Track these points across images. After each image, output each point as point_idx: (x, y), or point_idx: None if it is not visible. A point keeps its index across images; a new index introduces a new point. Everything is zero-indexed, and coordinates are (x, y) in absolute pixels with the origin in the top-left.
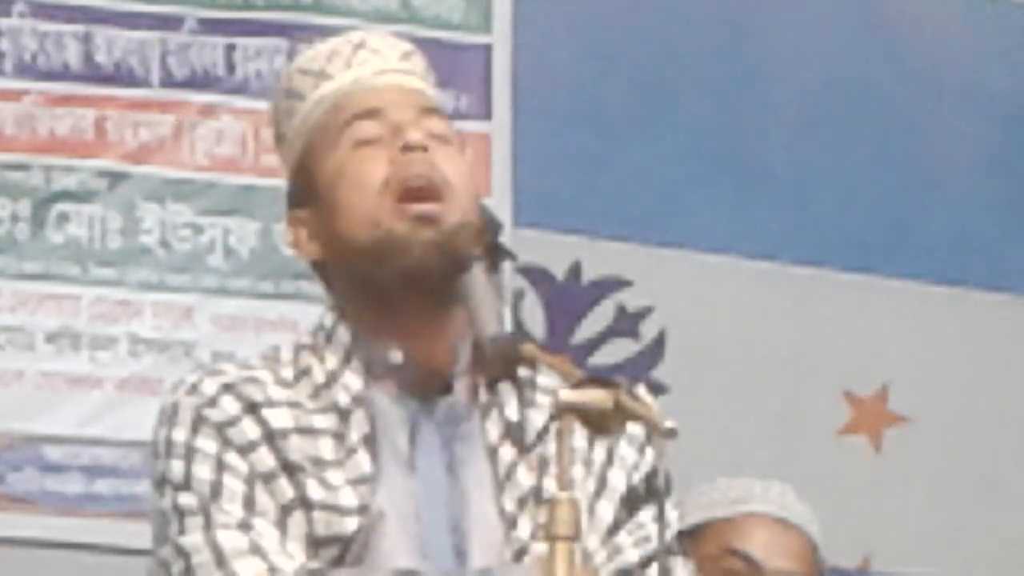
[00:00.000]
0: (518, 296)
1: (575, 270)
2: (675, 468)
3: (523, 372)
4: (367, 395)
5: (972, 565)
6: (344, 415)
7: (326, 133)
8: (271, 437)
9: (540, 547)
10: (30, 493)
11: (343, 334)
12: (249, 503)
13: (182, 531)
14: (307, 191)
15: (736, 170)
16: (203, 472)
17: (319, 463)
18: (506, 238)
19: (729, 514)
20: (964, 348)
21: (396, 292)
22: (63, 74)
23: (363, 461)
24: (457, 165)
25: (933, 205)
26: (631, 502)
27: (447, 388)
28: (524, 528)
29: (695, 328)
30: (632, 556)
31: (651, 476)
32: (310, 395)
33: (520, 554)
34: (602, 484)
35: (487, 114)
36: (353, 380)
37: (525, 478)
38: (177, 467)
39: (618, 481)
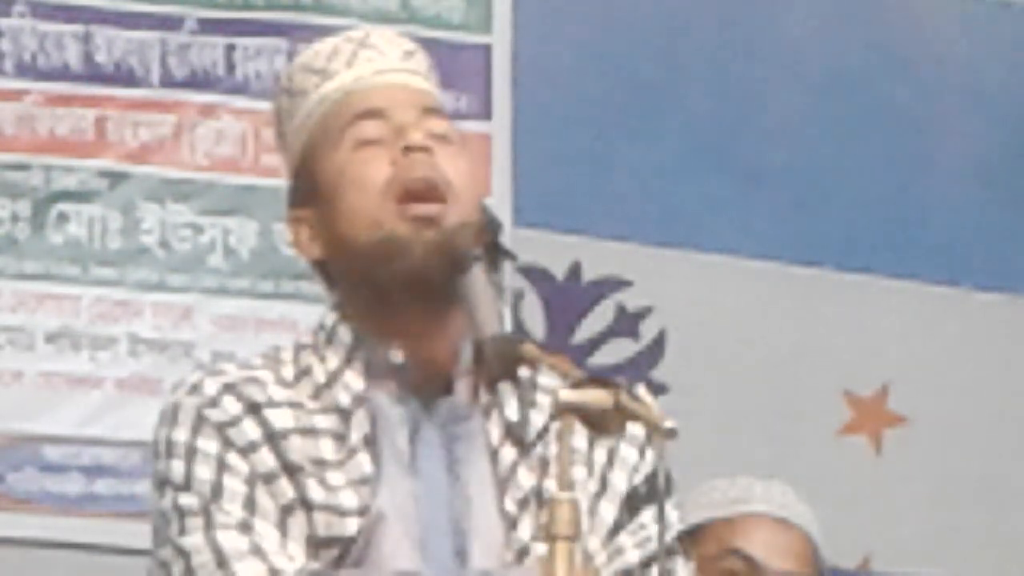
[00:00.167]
0: (518, 296)
1: (575, 270)
2: (675, 468)
3: (523, 372)
4: (368, 395)
5: (972, 565)
6: (345, 415)
7: (328, 132)
8: (272, 438)
9: (541, 548)
10: (30, 493)
11: (344, 334)
12: (250, 504)
13: (182, 532)
14: (309, 190)
15: (736, 170)
16: (204, 473)
17: (320, 464)
18: (506, 238)
19: (729, 514)
20: (964, 348)
21: (397, 293)
22: (63, 74)
23: (364, 462)
24: (459, 166)
25: (933, 205)
26: (632, 503)
27: (448, 388)
28: (525, 529)
29: (695, 328)
30: (633, 557)
31: (652, 477)
32: (311, 395)
33: (521, 555)
34: (603, 485)
35: (487, 114)
36: (354, 380)
37: (526, 479)
38: (178, 467)
39: (619, 482)
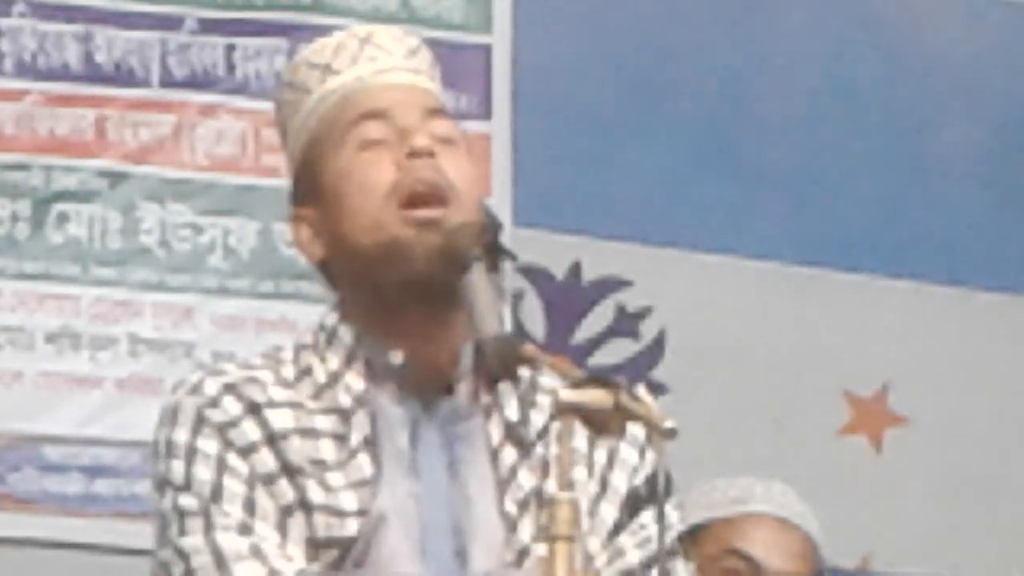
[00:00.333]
0: (518, 296)
1: (575, 270)
2: (675, 468)
3: (524, 372)
4: (369, 396)
5: (972, 565)
6: (345, 416)
7: (331, 131)
8: (272, 438)
9: (541, 549)
10: (30, 493)
11: (345, 334)
12: (249, 505)
13: (182, 533)
14: (310, 189)
15: (736, 170)
16: (204, 473)
17: (320, 465)
18: (506, 238)
19: (729, 514)
20: (964, 348)
21: (399, 295)
22: (63, 74)
23: (364, 463)
24: (462, 168)
25: (933, 205)
26: (633, 504)
27: (449, 389)
28: (525, 530)
29: (695, 328)
30: (633, 558)
31: (653, 478)
32: (311, 395)
33: (521, 556)
34: (604, 486)
35: (487, 114)
36: (355, 381)
37: (527, 480)
38: (178, 468)
39: (620, 483)
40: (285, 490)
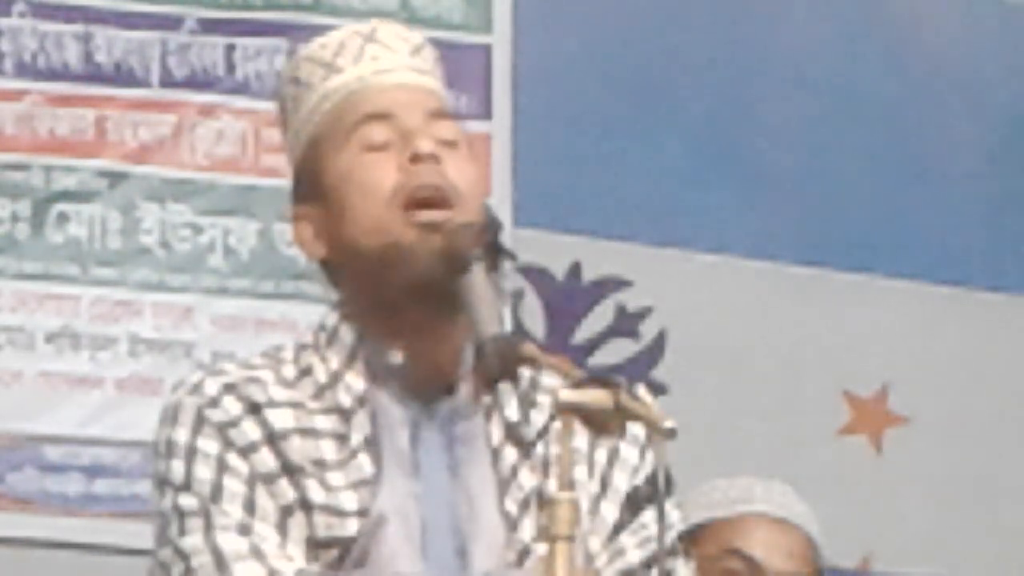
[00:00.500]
0: (518, 296)
1: (575, 270)
2: (675, 468)
3: (525, 372)
4: (369, 396)
5: (972, 565)
6: (346, 416)
7: (334, 131)
8: (272, 438)
9: (542, 548)
10: (30, 493)
11: (346, 334)
12: (249, 505)
13: (182, 533)
14: (313, 188)
15: (736, 170)
16: (204, 473)
17: (320, 465)
18: (506, 238)
19: (729, 514)
20: (964, 348)
21: (401, 297)
22: (63, 74)
23: (364, 463)
24: (466, 171)
25: (933, 205)
26: (634, 503)
27: (450, 389)
28: (526, 530)
29: (695, 328)
30: (634, 557)
31: (653, 477)
32: (312, 395)
33: (523, 556)
34: (605, 485)
35: (487, 114)
36: (356, 381)
37: (528, 480)
38: (178, 468)
39: (621, 482)
40: (285, 490)
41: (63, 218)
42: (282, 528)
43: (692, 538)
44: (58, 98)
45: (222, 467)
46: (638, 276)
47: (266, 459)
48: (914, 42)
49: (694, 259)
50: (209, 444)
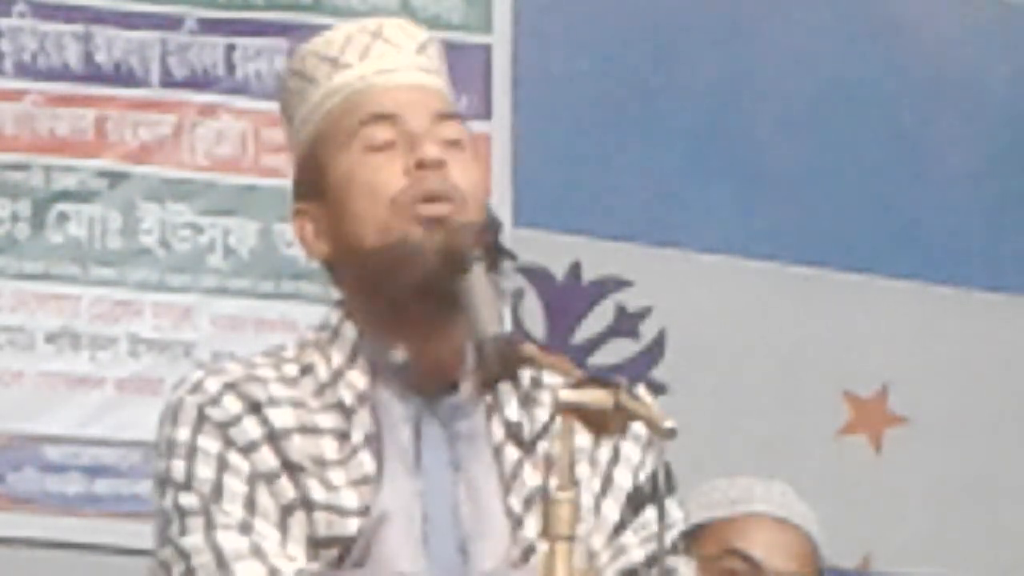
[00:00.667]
0: (518, 296)
1: (575, 270)
2: (675, 468)
3: (529, 370)
4: (371, 393)
5: (972, 565)
6: (348, 413)
7: (338, 129)
8: (273, 437)
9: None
10: (30, 493)
11: (349, 331)
12: (250, 504)
13: (183, 532)
14: (315, 185)
15: (736, 170)
16: (205, 472)
17: (321, 463)
18: (506, 238)
19: (729, 514)
20: (964, 348)
21: (405, 296)
22: (63, 74)
23: (366, 461)
24: (471, 174)
25: (933, 205)
26: (636, 501)
27: (452, 387)
28: (531, 527)
29: (695, 328)
30: (637, 555)
31: (655, 476)
32: (314, 393)
33: (527, 554)
34: (607, 483)
35: (487, 114)
36: (358, 378)
37: (531, 477)
38: (179, 467)
39: (623, 480)
40: (286, 488)
41: (63, 218)
42: (283, 527)
43: (692, 538)
44: (58, 98)
45: (223, 466)
46: (638, 276)
47: (267, 457)
48: (914, 42)
49: (694, 259)
50: (210, 443)
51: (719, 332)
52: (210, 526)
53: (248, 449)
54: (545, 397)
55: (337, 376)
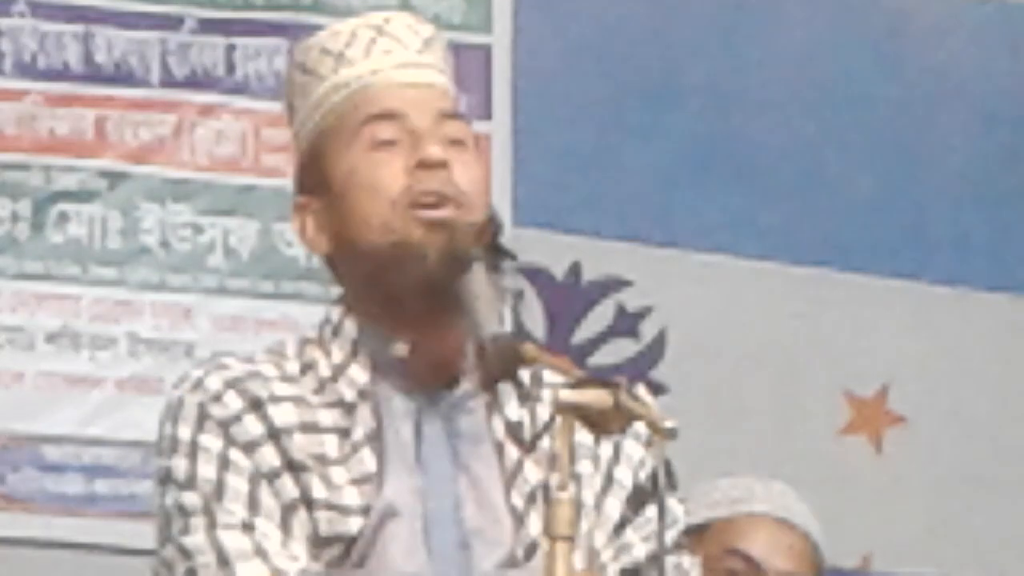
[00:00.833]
0: (518, 296)
1: (575, 270)
2: (675, 468)
3: (531, 369)
4: (373, 389)
5: (972, 565)
6: (349, 409)
7: (341, 126)
8: (275, 434)
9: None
10: (30, 493)
11: (350, 327)
12: (252, 503)
13: (185, 531)
14: (318, 181)
15: (736, 170)
16: (207, 471)
17: (323, 461)
18: (506, 238)
19: (729, 514)
20: (964, 348)
21: (406, 295)
22: (63, 74)
23: (367, 459)
24: (473, 171)
25: (933, 205)
26: (638, 499)
27: (453, 383)
28: (534, 525)
29: (695, 328)
30: (640, 553)
31: (655, 475)
32: (315, 390)
33: (530, 552)
34: (609, 481)
35: (487, 114)
36: (359, 374)
37: (533, 474)
38: (181, 465)
39: (625, 478)
40: (288, 486)
41: (63, 218)
42: (285, 525)
43: (692, 538)
44: (58, 98)
45: (225, 464)
46: (638, 276)
47: (268, 455)
48: (914, 42)
49: (694, 259)
50: (211, 441)
51: (719, 332)
52: (212, 525)
53: (250, 447)
54: (546, 396)
55: (338, 372)
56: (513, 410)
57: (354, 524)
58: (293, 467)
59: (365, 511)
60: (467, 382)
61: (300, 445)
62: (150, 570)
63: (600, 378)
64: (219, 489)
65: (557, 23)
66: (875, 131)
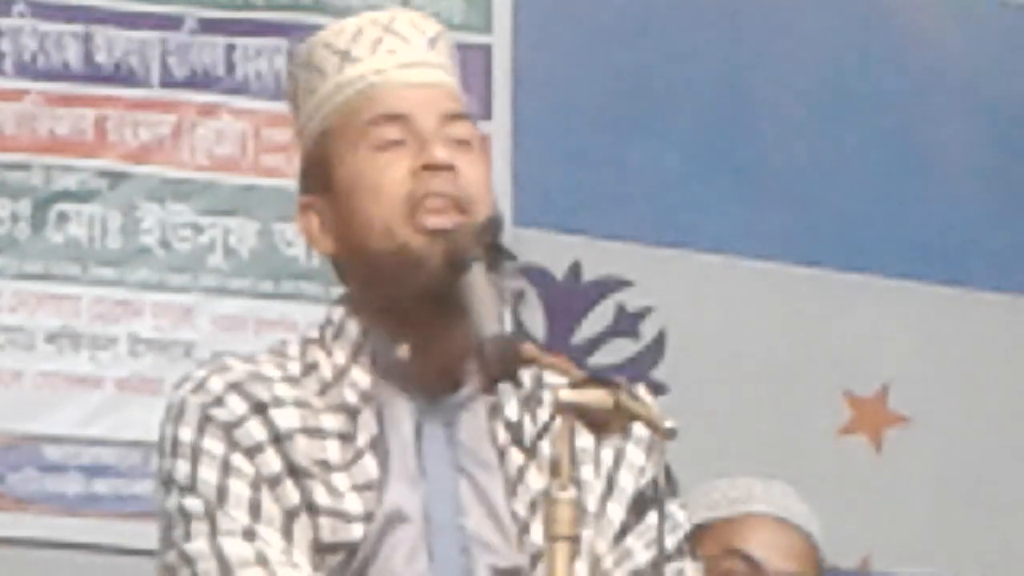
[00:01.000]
0: (518, 296)
1: (575, 270)
2: (675, 468)
3: (532, 370)
4: (375, 392)
5: (972, 565)
6: (352, 413)
7: (346, 126)
8: (278, 439)
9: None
10: (30, 493)
11: (352, 328)
12: (255, 509)
13: (187, 537)
14: (322, 180)
15: (736, 170)
16: (209, 475)
17: (325, 467)
18: (506, 238)
19: (729, 514)
20: (964, 348)
21: (408, 300)
22: (63, 74)
23: (370, 465)
24: (478, 172)
25: (933, 205)
26: (640, 505)
27: (456, 386)
28: (537, 533)
29: (695, 328)
30: (642, 559)
31: (657, 478)
32: (317, 392)
33: (535, 560)
34: (611, 486)
35: (487, 114)
36: (361, 377)
37: (535, 481)
38: (183, 468)
39: (626, 483)
40: (290, 492)
41: (63, 218)
42: (287, 532)
43: (692, 538)
44: (58, 98)
45: (227, 469)
46: (638, 276)
47: (271, 460)
48: (914, 42)
49: (694, 259)
50: (214, 445)
51: (719, 332)
52: (215, 532)
53: (253, 451)
54: (547, 397)
55: (341, 374)
56: (513, 411)
57: (356, 531)
58: (295, 472)
59: (367, 518)
60: (469, 386)
61: (303, 450)
62: (155, 574)
63: (600, 378)
64: (221, 494)
65: (557, 23)
66: (875, 131)
